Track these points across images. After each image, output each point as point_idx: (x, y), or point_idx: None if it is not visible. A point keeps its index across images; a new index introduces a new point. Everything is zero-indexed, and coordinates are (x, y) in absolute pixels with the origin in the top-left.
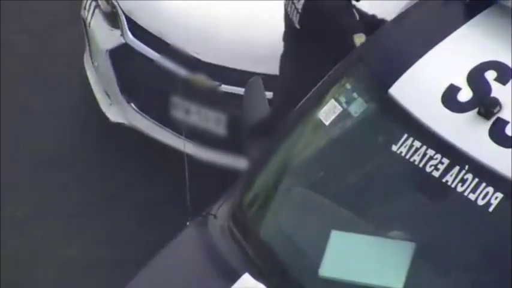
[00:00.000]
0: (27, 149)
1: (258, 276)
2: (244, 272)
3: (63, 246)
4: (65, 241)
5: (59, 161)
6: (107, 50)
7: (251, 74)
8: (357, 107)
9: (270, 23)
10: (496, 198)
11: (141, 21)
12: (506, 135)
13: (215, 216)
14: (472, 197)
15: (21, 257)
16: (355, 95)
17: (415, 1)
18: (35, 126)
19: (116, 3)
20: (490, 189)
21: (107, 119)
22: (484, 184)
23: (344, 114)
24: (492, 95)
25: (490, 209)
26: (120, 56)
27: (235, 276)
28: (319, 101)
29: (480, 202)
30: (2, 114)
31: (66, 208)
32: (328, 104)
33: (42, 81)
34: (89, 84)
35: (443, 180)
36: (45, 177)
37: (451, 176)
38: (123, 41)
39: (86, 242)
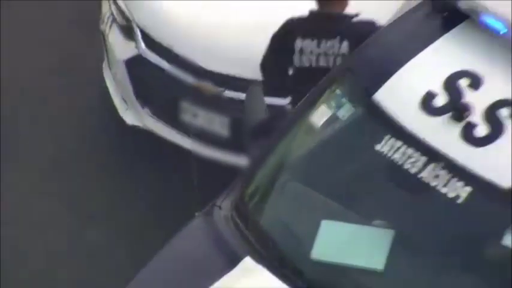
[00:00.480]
0: (51, 147)
1: (258, 259)
2: (245, 256)
3: (83, 242)
4: (83, 235)
5: (79, 159)
6: (123, 60)
7: (251, 81)
8: (345, 111)
9: (267, 37)
10: (465, 191)
11: (153, 34)
12: (475, 137)
13: (220, 208)
14: (444, 190)
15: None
16: (343, 100)
17: (399, 14)
18: (59, 126)
19: (130, 18)
20: (460, 184)
21: (123, 122)
22: (455, 179)
23: (334, 117)
24: (464, 100)
25: (459, 201)
26: (135, 65)
27: (237, 260)
28: (312, 105)
29: (451, 195)
30: (29, 114)
31: (85, 202)
32: (320, 108)
33: (66, 88)
34: (107, 90)
35: (420, 176)
36: (68, 172)
37: (427, 172)
38: (138, 52)
39: (102, 235)
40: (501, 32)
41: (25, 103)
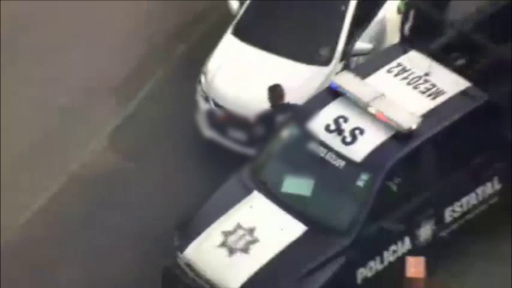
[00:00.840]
0: (170, 154)
1: (260, 191)
2: (254, 191)
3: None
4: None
5: (178, 156)
6: (204, 111)
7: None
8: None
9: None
10: (342, 163)
11: (217, 100)
12: (346, 141)
13: (245, 170)
14: (334, 163)
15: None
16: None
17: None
18: (172, 140)
19: (207, 94)
20: (340, 160)
21: (203, 135)
22: (338, 159)
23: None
24: (342, 127)
25: (340, 168)
26: (209, 112)
27: (250, 191)
28: None
29: (337, 165)
30: (156, 138)
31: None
32: None
33: (178, 125)
34: (196, 124)
35: (325, 157)
36: (178, 168)
37: (328, 156)
38: (209, 107)
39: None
40: (346, 95)
41: (147, 133)
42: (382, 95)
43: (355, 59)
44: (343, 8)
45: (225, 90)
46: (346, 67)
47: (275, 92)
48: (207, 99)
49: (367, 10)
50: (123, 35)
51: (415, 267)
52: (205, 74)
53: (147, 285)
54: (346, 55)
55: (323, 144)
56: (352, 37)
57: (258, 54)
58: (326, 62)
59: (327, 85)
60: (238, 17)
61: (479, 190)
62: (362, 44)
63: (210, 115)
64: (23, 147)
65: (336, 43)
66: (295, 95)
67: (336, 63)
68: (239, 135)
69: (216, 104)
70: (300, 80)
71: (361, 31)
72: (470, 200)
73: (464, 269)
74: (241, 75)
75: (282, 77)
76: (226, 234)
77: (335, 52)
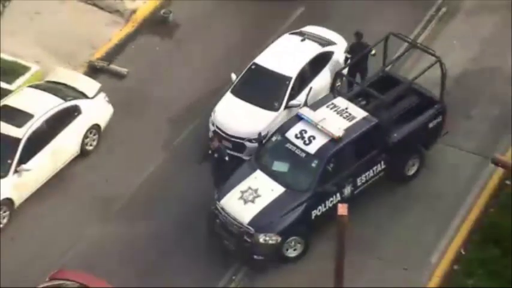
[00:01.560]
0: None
1: (261, 169)
2: (257, 169)
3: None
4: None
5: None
6: (212, 130)
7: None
8: (279, 142)
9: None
10: (303, 154)
11: (218, 125)
12: (306, 143)
13: (252, 158)
14: (300, 154)
15: None
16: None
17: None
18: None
19: (213, 122)
20: (302, 153)
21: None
22: (302, 152)
23: (276, 144)
24: (304, 135)
25: (302, 157)
26: (214, 131)
27: (255, 169)
28: (269, 140)
29: (301, 155)
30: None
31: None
32: (272, 142)
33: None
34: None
35: (295, 151)
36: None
37: (296, 150)
38: (214, 129)
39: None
40: (305, 119)
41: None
42: (324, 118)
43: (295, 103)
44: (287, 82)
45: (222, 121)
46: (305, 105)
47: (217, 136)
48: (213, 125)
49: (300, 83)
50: (190, 79)
51: (342, 208)
52: (214, 112)
53: (202, 219)
54: (304, 103)
55: (294, 144)
56: (291, 97)
57: (242, 103)
58: (277, 109)
59: (276, 122)
60: (234, 83)
61: (374, 168)
62: (293, 101)
63: (214, 133)
64: (138, 144)
65: (282, 100)
66: (260, 123)
67: (281, 110)
68: (226, 144)
69: (217, 128)
70: (263, 117)
71: (299, 93)
72: (369, 173)
73: (368, 212)
74: (233, 113)
75: (253, 115)
76: (242, 192)
77: (282, 105)
